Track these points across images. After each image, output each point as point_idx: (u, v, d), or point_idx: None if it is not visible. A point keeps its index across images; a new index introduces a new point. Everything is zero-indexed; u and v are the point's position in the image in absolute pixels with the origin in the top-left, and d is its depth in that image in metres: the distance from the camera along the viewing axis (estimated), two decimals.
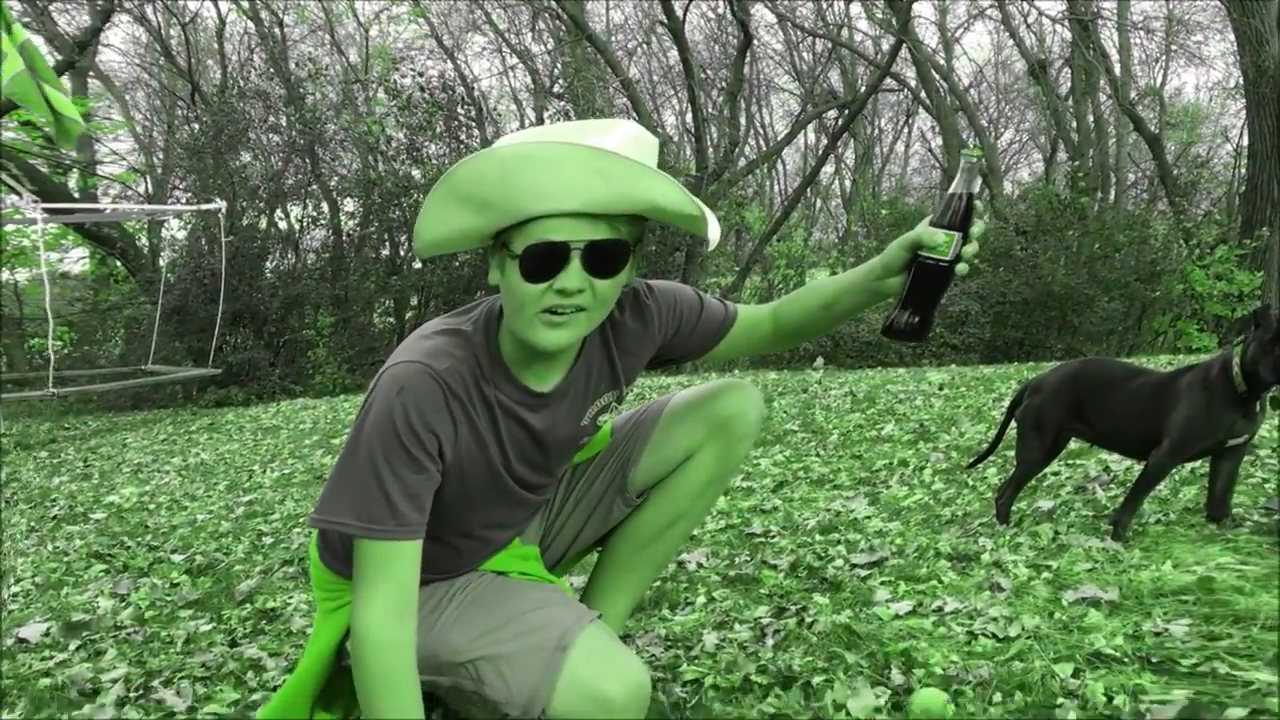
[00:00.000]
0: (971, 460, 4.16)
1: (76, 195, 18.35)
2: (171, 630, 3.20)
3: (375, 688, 1.68)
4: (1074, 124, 22.74)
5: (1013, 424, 3.67)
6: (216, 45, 23.11)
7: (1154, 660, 2.11)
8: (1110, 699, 1.92)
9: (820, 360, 11.89)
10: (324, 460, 7.07)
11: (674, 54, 22.25)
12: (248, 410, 12.03)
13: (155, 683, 2.66)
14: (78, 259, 21.82)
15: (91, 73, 23.15)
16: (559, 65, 23.43)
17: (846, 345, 15.02)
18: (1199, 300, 14.35)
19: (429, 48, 25.45)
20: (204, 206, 13.82)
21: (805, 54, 26.32)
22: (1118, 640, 2.20)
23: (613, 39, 23.28)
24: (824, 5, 24.13)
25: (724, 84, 22.80)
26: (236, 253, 15.22)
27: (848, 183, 28.65)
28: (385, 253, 18.57)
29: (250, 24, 22.92)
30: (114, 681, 2.67)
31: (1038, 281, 14.92)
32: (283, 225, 18.55)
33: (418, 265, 17.77)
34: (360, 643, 1.68)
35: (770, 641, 2.53)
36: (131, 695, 2.59)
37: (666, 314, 2.02)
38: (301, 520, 4.92)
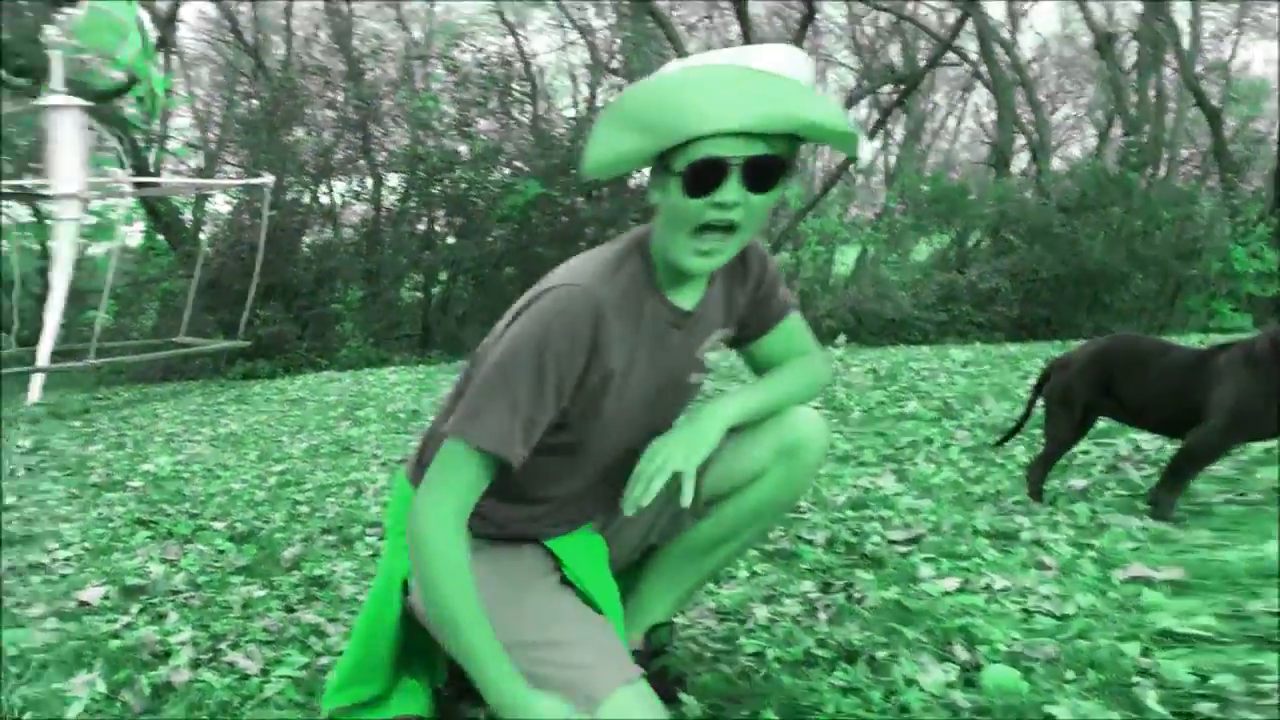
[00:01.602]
0: (999, 438, 4.17)
1: (152, 170, 18.43)
2: (226, 596, 3.25)
3: (446, 576, 1.74)
4: (1134, 99, 22.44)
5: (1040, 402, 3.69)
6: (284, 21, 23.06)
7: (1273, 640, 2.12)
8: (1204, 678, 1.93)
9: (842, 337, 11.86)
10: (350, 432, 7.12)
11: (735, 29, 22.03)
12: (274, 382, 12.09)
13: (223, 645, 2.72)
14: (136, 233, 21.89)
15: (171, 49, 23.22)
16: (618, 41, 23.33)
17: (870, 322, 14.98)
18: (1236, 279, 14.19)
19: (492, 23, 25.36)
20: (252, 181, 13.89)
21: (868, 28, 26.02)
22: (1203, 619, 2.22)
23: (673, 13, 23.08)
24: None
25: None
26: (276, 227, 15.29)
27: (892, 159, 28.39)
28: (421, 227, 18.61)
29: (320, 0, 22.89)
30: (182, 644, 2.72)
31: (1073, 259, 14.82)
32: (325, 200, 18.62)
33: (450, 241, 17.82)
34: (428, 534, 1.75)
35: (823, 616, 2.56)
36: (203, 658, 2.64)
37: (759, 267, 2.05)
38: (333, 489, 4.98)
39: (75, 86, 11.05)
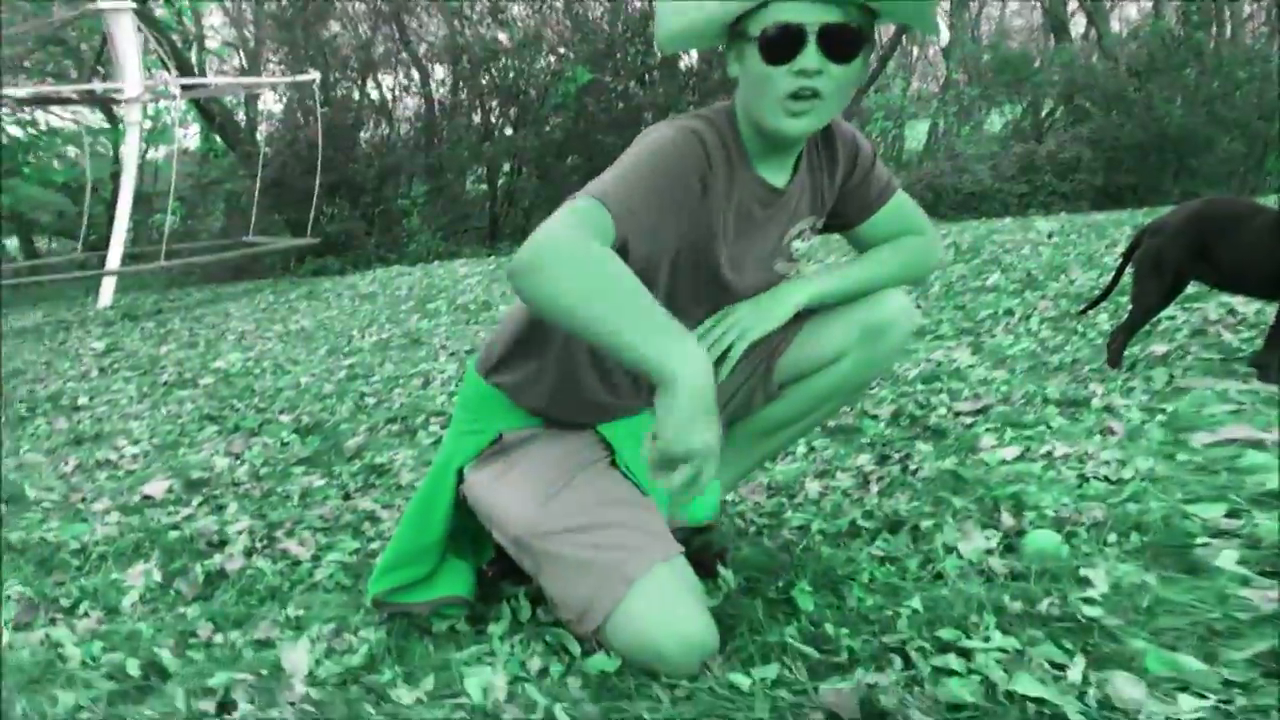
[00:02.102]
0: (1084, 306, 4.08)
1: (195, 72, 18.50)
2: (286, 486, 3.30)
3: (586, 260, 1.52)
4: None
5: (1129, 269, 3.59)
6: None
7: None
8: None
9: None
10: (419, 324, 7.16)
11: None
12: (344, 278, 12.19)
13: (278, 534, 2.76)
14: (193, 135, 22.06)
15: None
16: None
17: (948, 197, 14.71)
18: None
19: None
20: (299, 78, 13.88)
21: None
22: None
23: None
24: None
25: None
26: (331, 124, 15.30)
27: (945, 29, 27.56)
28: (477, 119, 18.50)
29: None
30: (239, 534, 2.77)
31: (1152, 124, 14.42)
32: (375, 96, 18.56)
33: (509, 132, 17.72)
34: (557, 234, 1.54)
35: (874, 489, 2.53)
36: (258, 546, 2.68)
37: (849, 151, 1.99)
38: (400, 380, 5.01)
39: None
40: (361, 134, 17.86)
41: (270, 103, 18.32)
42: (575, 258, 1.50)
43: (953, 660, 1.57)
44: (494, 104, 18.21)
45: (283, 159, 15.96)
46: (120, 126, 15.06)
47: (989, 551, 1.97)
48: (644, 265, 1.64)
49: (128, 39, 11.10)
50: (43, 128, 18.22)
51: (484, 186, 19.22)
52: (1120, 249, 3.74)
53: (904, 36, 19.92)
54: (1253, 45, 17.57)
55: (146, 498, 3.31)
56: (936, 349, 4.20)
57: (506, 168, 18.67)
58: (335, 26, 18.06)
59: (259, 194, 14.06)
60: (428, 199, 17.43)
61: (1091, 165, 14.75)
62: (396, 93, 18.76)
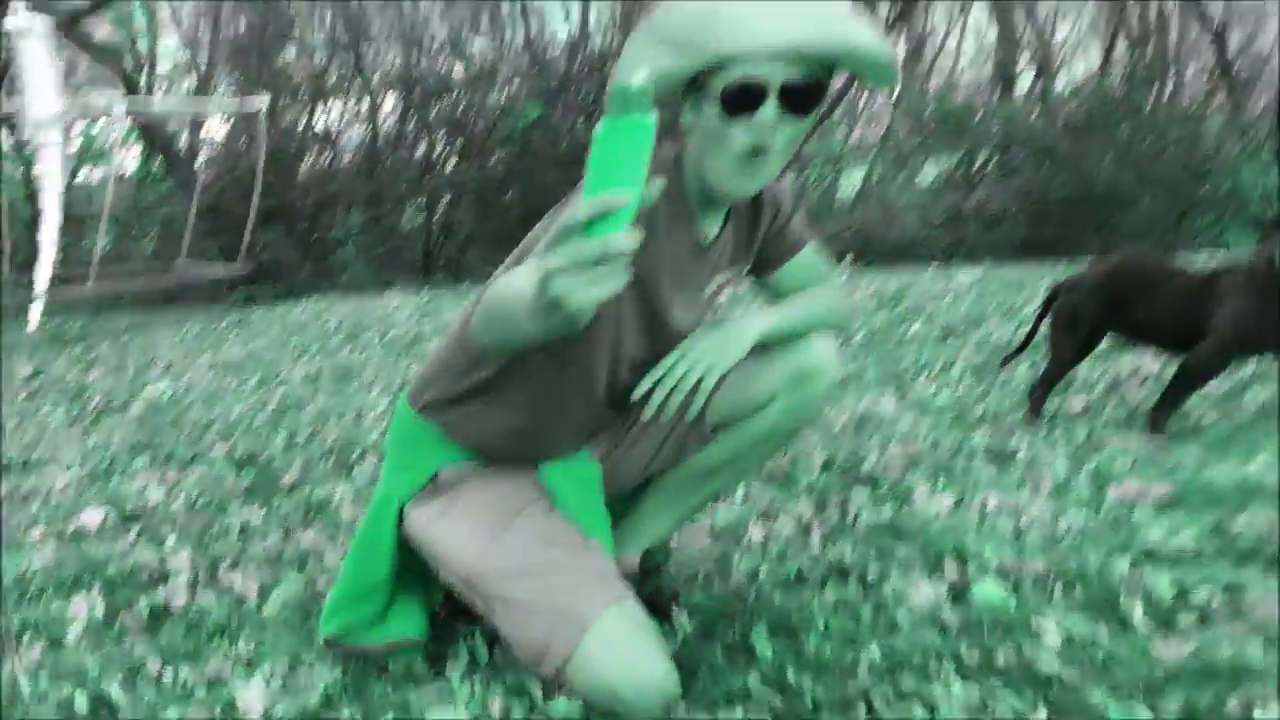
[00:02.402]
0: (1004, 358, 4.17)
1: (143, 93, 18.25)
2: (225, 519, 3.27)
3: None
4: (1137, 14, 22.09)
5: (1046, 322, 3.69)
6: None
7: (1252, 558, 2.14)
8: (1184, 593, 1.95)
9: (847, 259, 11.74)
10: (351, 357, 7.12)
11: None
12: (276, 307, 12.07)
13: (221, 568, 2.73)
14: (133, 158, 21.75)
15: None
16: None
17: (877, 245, 14.89)
18: (1244, 198, 14.06)
19: None
20: (247, 103, 13.75)
21: None
22: (1184, 536, 2.23)
23: None
24: None
25: None
26: (274, 151, 15.19)
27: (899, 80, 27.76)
28: (421, 151, 18.48)
29: None
30: (181, 567, 2.73)
31: (1080, 179, 14.73)
32: (321, 125, 18.50)
33: (450, 166, 17.71)
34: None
35: (817, 535, 2.57)
36: (201, 580, 2.65)
37: (774, 200, 2.03)
38: (333, 415, 4.99)
39: (39, 4, 10.94)
40: (304, 162, 17.74)
41: (215, 127, 18.15)
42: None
43: (917, 709, 1.61)
44: (440, 136, 18.20)
45: (221, 184, 15.78)
46: (27, 151, 14.87)
47: (939, 602, 2.02)
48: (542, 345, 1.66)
49: (40, 58, 10.95)
50: None
51: (421, 219, 19.17)
52: (1038, 302, 3.86)
53: (854, 85, 20.22)
54: (1189, 106, 18.01)
55: (83, 527, 3.27)
56: (862, 397, 4.28)
57: (446, 200, 18.65)
58: (291, 53, 17.97)
59: (194, 219, 13.90)
60: (364, 229, 17.34)
61: (1017, 217, 15.03)
62: (344, 121, 18.70)
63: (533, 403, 1.91)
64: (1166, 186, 14.85)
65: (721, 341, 1.94)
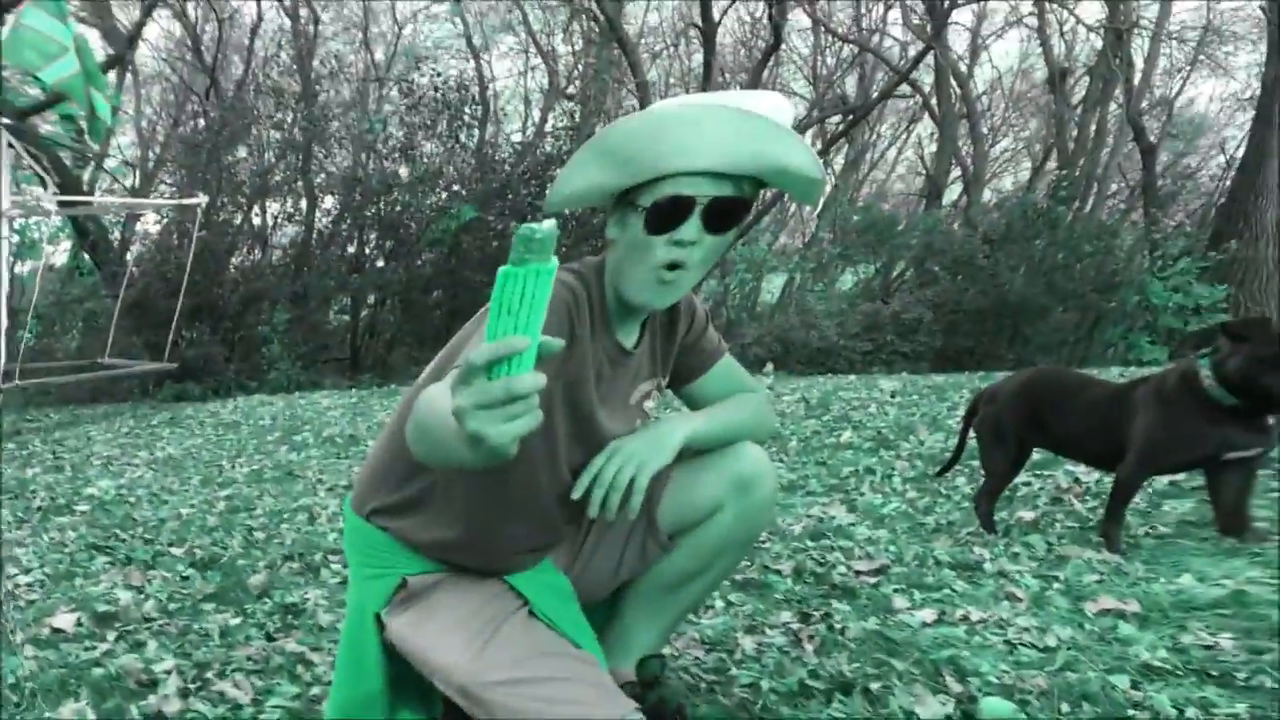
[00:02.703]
0: (938, 469, 4.27)
1: (85, 189, 18.13)
2: (201, 623, 3.24)
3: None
4: (1074, 133, 22.84)
5: (974, 434, 3.79)
6: (247, 41, 22.72)
7: (1212, 673, 2.21)
8: (1181, 711, 2.01)
9: (770, 366, 11.93)
10: (289, 456, 7.10)
11: (698, 57, 22.07)
12: (205, 405, 11.98)
13: (209, 674, 2.71)
14: (62, 252, 21.53)
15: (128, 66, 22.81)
16: (580, 66, 23.40)
17: (796, 351, 15.13)
18: (1154, 313, 14.51)
19: (457, 47, 25.25)
20: (184, 202, 13.77)
21: (830, 59, 26.12)
22: (1160, 653, 2.31)
23: (642, 41, 23.13)
24: (862, 10, 24.05)
25: (740, 87, 22.65)
26: (205, 248, 15.13)
27: (828, 187, 28.28)
28: (351, 250, 18.51)
29: (287, 20, 22.55)
30: (167, 673, 2.71)
31: (994, 290, 15.12)
32: (257, 221, 18.49)
33: (380, 264, 17.76)
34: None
35: (809, 647, 2.62)
36: (191, 686, 2.63)
37: (687, 313, 2.11)
38: (284, 515, 4.97)
39: None
40: (233, 259, 17.69)
41: (150, 224, 18.07)
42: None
43: None
44: (372, 236, 18.24)
45: (148, 280, 15.69)
46: None
47: (947, 717, 2.07)
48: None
49: None
50: None
51: (346, 317, 19.13)
52: (960, 411, 3.98)
53: (784, 195, 20.60)
54: (1107, 221, 18.59)
55: (57, 630, 3.22)
56: (813, 505, 4.37)
57: (371, 300, 18.64)
58: (242, 152, 18.04)
59: (119, 315, 13.76)
60: (289, 327, 17.26)
61: (932, 327, 15.36)
62: (280, 220, 18.71)
63: (479, 513, 1.93)
64: (1077, 299, 15.29)
65: (648, 442, 1.97)
